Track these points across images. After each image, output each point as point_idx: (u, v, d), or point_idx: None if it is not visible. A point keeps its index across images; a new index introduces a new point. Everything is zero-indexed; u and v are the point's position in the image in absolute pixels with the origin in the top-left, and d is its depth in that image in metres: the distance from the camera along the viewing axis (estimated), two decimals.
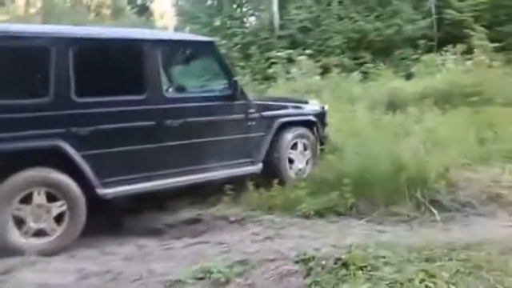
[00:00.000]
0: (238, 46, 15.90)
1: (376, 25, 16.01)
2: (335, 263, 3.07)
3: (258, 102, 5.14)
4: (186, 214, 4.52)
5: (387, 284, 2.79)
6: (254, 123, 5.00)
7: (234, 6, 19.45)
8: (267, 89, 11.63)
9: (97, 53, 4.26)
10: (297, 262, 3.09)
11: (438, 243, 3.38)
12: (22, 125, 3.80)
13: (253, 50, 15.49)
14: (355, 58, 15.18)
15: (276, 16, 16.91)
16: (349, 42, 15.84)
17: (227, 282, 2.98)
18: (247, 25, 18.79)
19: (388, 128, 6.11)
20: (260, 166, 5.01)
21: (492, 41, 12.35)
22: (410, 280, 2.78)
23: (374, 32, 15.90)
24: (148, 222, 4.44)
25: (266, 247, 3.54)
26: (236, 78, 4.97)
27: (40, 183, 3.86)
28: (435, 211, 4.24)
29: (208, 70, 5.80)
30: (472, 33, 12.43)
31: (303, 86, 9.91)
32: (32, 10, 22.06)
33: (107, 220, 4.49)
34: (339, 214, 4.34)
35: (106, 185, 4.13)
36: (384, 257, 3.15)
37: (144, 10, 24.10)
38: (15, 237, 3.78)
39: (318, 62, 13.17)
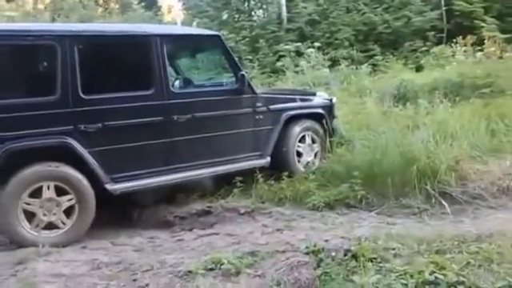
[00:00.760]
0: (246, 40, 15.83)
1: (384, 17, 15.87)
2: (345, 255, 3.09)
3: (266, 96, 5.13)
4: (197, 206, 4.56)
5: (397, 276, 2.80)
6: (261, 117, 5.00)
7: None
8: (275, 82, 11.60)
9: (103, 49, 4.28)
10: (307, 254, 3.11)
11: (448, 235, 3.39)
12: (31, 123, 3.84)
13: (261, 43, 15.44)
14: (364, 51, 15.07)
15: (284, 9, 16.82)
16: (357, 35, 15.73)
17: (238, 272, 3.01)
18: (255, 18, 18.71)
19: (398, 120, 6.09)
20: (268, 159, 5.01)
21: (503, 31, 12.22)
22: (420, 272, 2.78)
23: (383, 24, 15.76)
24: (159, 214, 4.48)
25: (276, 239, 3.57)
26: (243, 72, 4.95)
27: (49, 177, 3.90)
28: (445, 204, 4.23)
29: (215, 63, 5.81)
30: (482, 24, 12.32)
31: (312, 79, 9.86)
32: (40, 6, 22.13)
33: (118, 212, 4.54)
34: (349, 207, 4.35)
35: (114, 180, 4.17)
36: (394, 249, 3.16)
37: (151, 5, 24.05)
38: (26, 230, 3.84)
39: (326, 54, 13.12)
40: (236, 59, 5.11)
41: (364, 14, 16.01)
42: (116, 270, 3.25)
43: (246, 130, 4.91)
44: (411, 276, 2.77)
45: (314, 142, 5.42)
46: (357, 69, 11.51)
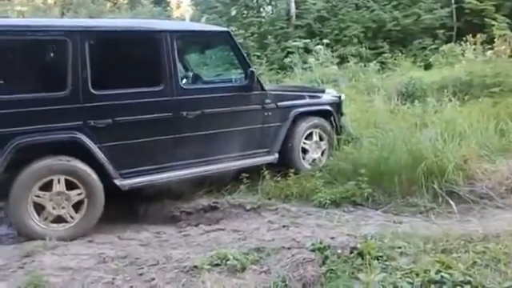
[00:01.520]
0: (255, 36, 15.82)
1: (394, 14, 15.79)
2: (351, 252, 3.10)
3: (275, 92, 5.12)
4: (203, 201, 4.58)
5: (402, 274, 2.80)
6: (270, 113, 4.99)
7: None
8: (283, 78, 11.59)
9: (113, 45, 4.30)
10: (312, 251, 3.12)
11: (454, 235, 3.37)
12: (42, 118, 3.87)
13: (269, 39, 15.42)
14: (373, 48, 15.01)
15: (292, 5, 16.77)
16: (366, 32, 15.66)
17: (243, 268, 3.02)
18: (263, 14, 18.67)
19: (406, 118, 6.07)
20: (276, 156, 5.02)
21: None
22: (426, 271, 2.78)
23: (392, 21, 15.68)
24: (165, 210, 4.50)
25: (282, 235, 3.57)
26: (253, 69, 4.95)
27: (59, 171, 3.93)
28: (452, 203, 4.21)
29: (224, 60, 5.80)
30: (493, 22, 12.21)
31: (320, 76, 9.83)
32: (50, 1, 22.23)
33: (124, 207, 4.56)
34: (355, 204, 4.34)
35: (123, 176, 4.19)
36: (400, 247, 3.16)
37: (160, 0, 24.11)
38: (35, 222, 3.88)
39: (334, 51, 13.07)
40: (245, 55, 5.11)
41: (373, 11, 15.94)
42: (122, 264, 3.27)
43: (255, 127, 4.91)
44: (417, 275, 2.76)
45: (321, 139, 5.41)
46: (365, 66, 11.46)
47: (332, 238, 3.31)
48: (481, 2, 14.45)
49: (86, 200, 4.01)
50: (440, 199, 4.27)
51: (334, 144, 5.33)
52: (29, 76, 4.00)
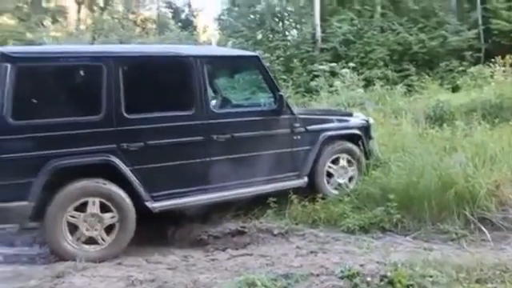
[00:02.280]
0: (281, 59, 15.98)
1: (420, 36, 15.75)
2: (381, 280, 3.04)
3: (304, 116, 5.12)
4: (230, 225, 4.55)
5: None
6: (299, 137, 4.98)
7: (276, 19, 19.63)
8: (310, 101, 11.60)
9: (146, 70, 4.41)
10: (341, 278, 3.08)
11: (488, 264, 3.29)
12: (77, 141, 3.99)
13: (295, 62, 15.55)
14: (399, 71, 14.96)
15: (318, 29, 16.92)
16: (392, 55, 15.65)
17: None
18: (289, 38, 18.89)
19: (434, 142, 5.97)
20: (305, 179, 4.99)
21: None
22: None
23: (418, 44, 15.64)
24: (193, 233, 4.51)
25: (310, 261, 3.54)
26: (282, 93, 4.98)
27: (95, 193, 4.04)
28: (485, 230, 4.10)
29: (253, 84, 5.87)
30: None
31: (346, 99, 9.82)
32: (82, 26, 22.98)
33: (152, 229, 4.60)
34: (384, 230, 4.27)
35: (154, 198, 4.25)
36: (431, 276, 3.09)
37: (187, 25, 24.61)
38: (68, 242, 3.97)
39: (360, 74, 13.06)
40: (274, 80, 5.15)
41: (399, 33, 15.95)
42: None
43: (284, 151, 4.90)
44: None
45: (349, 163, 5.34)
46: (391, 89, 11.39)
47: (361, 265, 3.26)
48: (509, 23, 14.29)
49: (117, 223, 4.09)
50: (472, 226, 4.17)
51: (362, 169, 5.26)
52: (65, 100, 4.12)
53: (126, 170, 4.12)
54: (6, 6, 21.75)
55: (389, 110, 9.03)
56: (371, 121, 5.87)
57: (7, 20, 22.49)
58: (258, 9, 19.99)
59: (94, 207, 4.02)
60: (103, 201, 4.04)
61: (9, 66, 3.81)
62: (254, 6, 20.05)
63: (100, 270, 3.69)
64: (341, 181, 5.25)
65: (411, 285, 2.96)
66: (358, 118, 5.82)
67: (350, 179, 5.32)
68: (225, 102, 5.50)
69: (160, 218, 4.53)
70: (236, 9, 20.88)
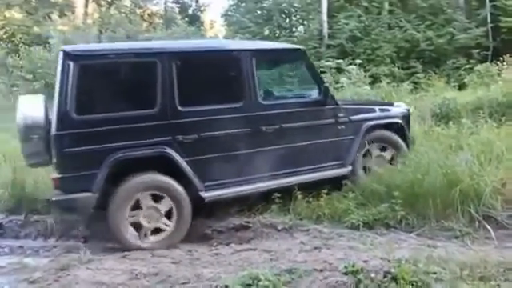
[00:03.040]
0: None
1: (427, 34, 15.67)
2: (384, 276, 3.04)
3: (347, 106, 5.25)
4: (235, 220, 4.58)
5: None
6: (343, 127, 5.10)
7: (283, 15, 19.58)
8: None
9: (197, 64, 4.53)
10: (345, 274, 3.07)
11: (492, 261, 3.28)
12: (135, 134, 4.17)
13: None
14: (405, 68, 14.90)
15: (325, 25, 16.88)
16: (399, 52, 15.58)
17: None
18: (296, 34, 18.84)
19: (440, 140, 5.96)
20: (350, 168, 5.07)
21: None
22: None
23: (426, 41, 15.55)
24: (197, 228, 4.51)
25: (314, 257, 3.54)
26: (326, 84, 5.15)
27: (151, 187, 4.23)
28: (490, 228, 4.08)
29: (298, 76, 5.94)
30: None
31: (352, 96, 9.79)
32: (89, 21, 23.05)
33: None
34: (388, 227, 4.26)
35: (207, 188, 4.42)
36: (435, 273, 3.09)
37: (194, 20, 24.64)
38: (130, 233, 4.16)
39: (367, 71, 13.02)
40: (319, 72, 5.25)
41: (406, 30, 15.86)
42: (154, 281, 3.31)
43: (329, 140, 5.01)
44: None
45: (384, 150, 5.39)
46: (398, 86, 11.35)
47: (365, 261, 3.26)
48: None
49: (175, 211, 4.27)
50: (476, 224, 4.15)
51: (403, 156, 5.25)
52: (122, 95, 4.26)
53: (181, 161, 4.27)
54: (14, 0, 21.86)
55: None
56: (410, 110, 5.96)
57: (15, 14, 22.61)
58: (264, 4, 19.97)
59: (163, 205, 4.24)
60: (158, 193, 4.22)
61: (71, 64, 4.01)
62: (260, 1, 20.02)
63: (104, 263, 3.73)
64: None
65: (414, 281, 2.95)
66: (399, 108, 5.90)
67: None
68: (272, 94, 5.60)
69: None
70: (243, 4, 20.86)
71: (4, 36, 21.86)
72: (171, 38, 16.20)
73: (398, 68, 14.56)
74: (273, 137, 4.67)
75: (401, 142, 5.40)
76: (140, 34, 18.18)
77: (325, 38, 16.70)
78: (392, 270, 3.07)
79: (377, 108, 5.64)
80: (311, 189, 4.80)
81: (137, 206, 4.19)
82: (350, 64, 12.75)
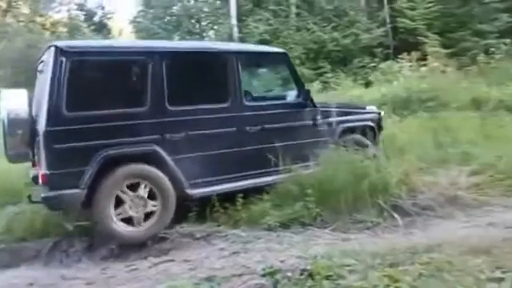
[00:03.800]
0: None
1: (333, 35, 16.33)
2: (301, 274, 3.09)
3: (324, 109, 5.43)
4: None
5: None
6: (320, 128, 5.30)
7: (193, 20, 19.49)
8: None
9: (186, 64, 4.63)
10: (263, 276, 3.10)
11: (400, 248, 3.46)
12: (125, 131, 4.23)
13: None
14: (315, 68, 15.41)
15: (235, 29, 17.02)
16: (308, 53, 16.07)
17: None
18: (206, 39, 18.81)
19: None
20: None
21: (445, 47, 12.83)
22: (375, 286, 2.84)
23: (332, 42, 16.21)
24: (109, 244, 4.32)
25: (233, 262, 3.53)
26: (307, 87, 5.37)
27: (141, 176, 4.27)
28: (397, 216, 4.31)
29: (281, 78, 6.18)
30: (425, 40, 12.88)
31: None
32: None
33: (64, 245, 4.38)
34: (304, 225, 4.34)
35: (193, 186, 4.51)
36: (349, 265, 3.19)
37: (101, 28, 23.75)
38: (115, 222, 4.19)
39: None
40: (299, 75, 5.53)
41: (313, 32, 16.41)
42: None
43: (308, 141, 5.14)
44: None
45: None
46: (308, 86, 11.68)
47: (282, 262, 3.31)
48: (413, 21, 15.22)
49: (159, 208, 4.33)
50: (385, 214, 4.36)
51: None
52: (113, 93, 4.31)
53: (168, 159, 4.35)
54: None
55: None
56: (382, 113, 6.25)
57: None
58: (173, 10, 19.75)
59: (144, 190, 4.27)
60: (152, 187, 4.28)
61: (64, 59, 4.01)
62: (169, 7, 19.77)
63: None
64: None
65: (330, 275, 3.03)
66: (371, 111, 6.17)
67: None
68: (255, 95, 5.78)
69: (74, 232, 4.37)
70: (151, 11, 20.47)
71: None
72: None
73: (308, 69, 15.02)
74: (256, 137, 4.84)
75: (370, 144, 5.65)
76: (42, 44, 17.15)
77: (235, 42, 16.83)
78: (308, 267, 3.14)
79: (351, 111, 5.90)
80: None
81: (120, 201, 4.22)
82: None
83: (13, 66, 16.09)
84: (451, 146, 5.91)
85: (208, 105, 4.64)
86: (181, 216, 4.58)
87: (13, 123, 4.16)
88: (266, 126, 4.92)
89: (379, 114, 6.20)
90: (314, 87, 11.47)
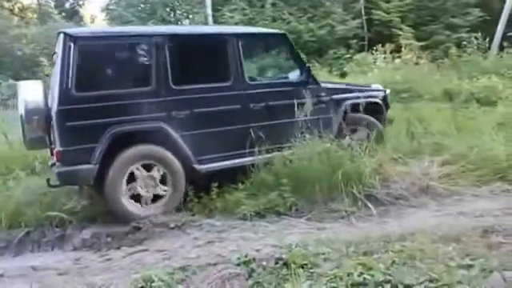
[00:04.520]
0: None
1: (309, 26, 16.36)
2: (276, 263, 3.11)
3: (328, 86, 5.61)
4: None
5: (327, 280, 2.87)
6: (324, 105, 5.40)
7: (167, 9, 19.23)
8: None
9: (189, 46, 4.89)
10: (238, 265, 3.10)
11: (374, 236, 3.52)
12: (132, 109, 4.42)
13: None
14: None
15: (210, 19, 16.86)
16: None
17: None
18: None
19: None
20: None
21: (418, 39, 13.01)
22: (349, 274, 2.87)
23: (308, 33, 16.24)
24: (83, 233, 4.25)
25: (207, 251, 3.52)
26: (308, 65, 5.55)
27: (150, 156, 4.49)
28: (371, 206, 4.36)
29: (282, 58, 6.24)
30: (399, 32, 13.03)
31: None
32: None
33: (37, 235, 4.30)
34: (279, 214, 4.35)
35: (200, 161, 4.71)
36: (324, 253, 3.23)
37: (73, 15, 23.22)
38: (126, 199, 4.42)
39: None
40: (300, 54, 5.76)
41: (289, 23, 16.40)
42: None
43: (312, 118, 5.14)
44: (341, 279, 2.84)
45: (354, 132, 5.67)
46: None
47: (257, 251, 3.32)
48: (388, 14, 15.37)
49: (170, 181, 4.55)
50: (359, 203, 4.41)
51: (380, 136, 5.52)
52: (120, 74, 4.62)
53: (175, 135, 4.55)
54: None
55: None
56: (388, 91, 6.30)
57: None
58: None
59: (157, 173, 4.50)
60: (152, 162, 4.49)
61: (72, 45, 4.27)
62: None
63: None
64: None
65: (305, 264, 3.06)
66: (377, 89, 6.30)
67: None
68: (258, 74, 6.05)
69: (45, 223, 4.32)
70: None
71: None
72: (48, 34, 15.09)
73: None
74: (260, 114, 5.02)
75: (377, 122, 5.75)
76: (10, 30, 16.66)
77: None
78: (283, 256, 3.16)
79: (356, 89, 6.02)
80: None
81: (133, 178, 4.43)
82: None
83: None
84: (424, 137, 6.01)
85: (211, 84, 4.84)
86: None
87: (30, 112, 4.42)
88: (270, 103, 5.08)
89: (385, 91, 6.29)
90: None
